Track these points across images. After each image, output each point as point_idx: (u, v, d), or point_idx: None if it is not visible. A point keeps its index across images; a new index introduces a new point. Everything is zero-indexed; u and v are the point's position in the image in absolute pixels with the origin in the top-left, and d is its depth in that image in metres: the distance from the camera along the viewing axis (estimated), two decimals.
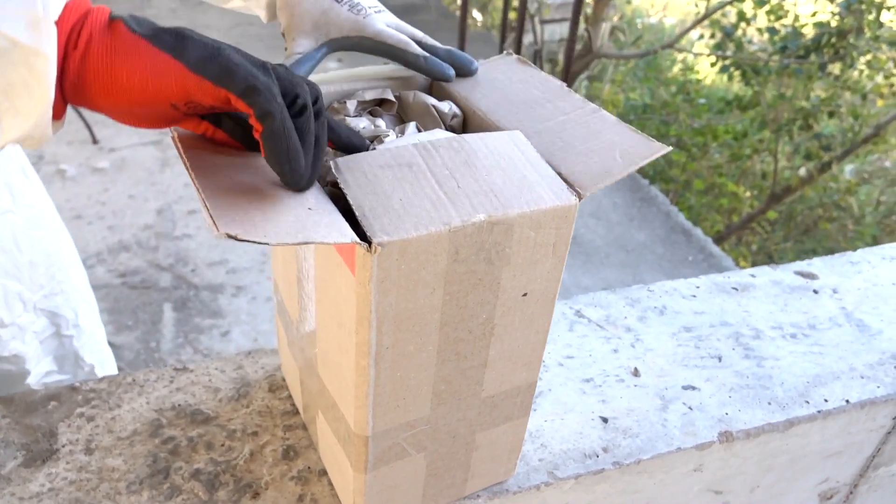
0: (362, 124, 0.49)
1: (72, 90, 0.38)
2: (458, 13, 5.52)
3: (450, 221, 0.40)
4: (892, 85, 3.72)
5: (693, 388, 0.72)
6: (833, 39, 3.50)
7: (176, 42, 0.37)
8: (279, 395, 0.69)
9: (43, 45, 0.35)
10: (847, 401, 0.71)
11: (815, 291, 0.86)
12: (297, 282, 0.53)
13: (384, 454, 0.50)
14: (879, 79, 3.73)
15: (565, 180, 0.45)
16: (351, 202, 0.39)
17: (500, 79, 0.55)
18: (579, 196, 0.44)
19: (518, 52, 2.65)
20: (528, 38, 4.35)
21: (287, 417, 0.66)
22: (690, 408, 0.70)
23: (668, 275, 2.27)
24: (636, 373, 0.73)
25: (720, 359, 0.75)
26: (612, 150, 0.46)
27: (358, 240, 0.38)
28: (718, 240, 4.16)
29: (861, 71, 3.81)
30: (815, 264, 0.91)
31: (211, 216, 0.34)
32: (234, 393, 0.69)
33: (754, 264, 4.23)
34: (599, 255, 2.36)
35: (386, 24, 0.52)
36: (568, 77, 2.35)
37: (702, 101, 4.75)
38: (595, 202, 2.67)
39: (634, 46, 5.09)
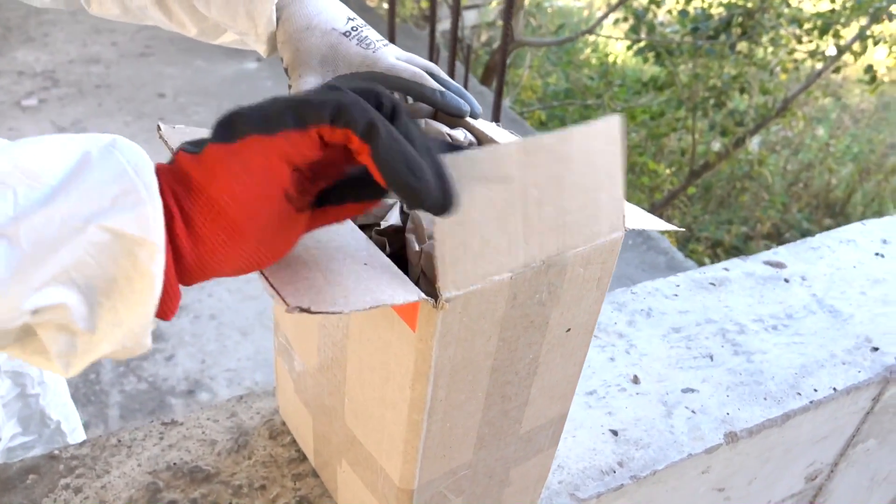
0: None
1: (192, 265, 0.32)
2: (376, 7, 5.44)
3: (514, 266, 0.38)
4: (794, 60, 3.93)
5: (692, 390, 0.73)
6: (741, 19, 3.66)
7: (235, 125, 0.31)
8: (281, 441, 0.65)
9: (150, 232, 0.29)
10: (834, 388, 0.74)
11: (786, 280, 0.89)
12: (318, 327, 0.50)
13: None
14: (783, 54, 3.93)
15: None
16: (436, 249, 0.35)
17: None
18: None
19: (433, 42, 2.63)
20: (442, 26, 4.32)
21: (294, 465, 0.63)
22: (693, 411, 0.71)
23: None
24: (636, 380, 0.74)
25: (712, 357, 0.77)
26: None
27: (425, 297, 0.35)
28: None
29: (765, 48, 4.00)
30: (781, 252, 0.95)
31: (276, 290, 0.32)
32: (232, 444, 0.65)
33: (678, 240, 4.40)
34: None
35: (396, 57, 0.49)
36: (503, 67, 2.35)
37: (619, 83, 4.88)
38: None
39: (553, 34, 5.17)
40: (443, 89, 0.49)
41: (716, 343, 0.79)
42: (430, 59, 2.67)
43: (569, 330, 0.45)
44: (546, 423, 0.52)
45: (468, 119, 0.51)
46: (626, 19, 4.22)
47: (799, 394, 0.73)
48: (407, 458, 0.43)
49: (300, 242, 0.36)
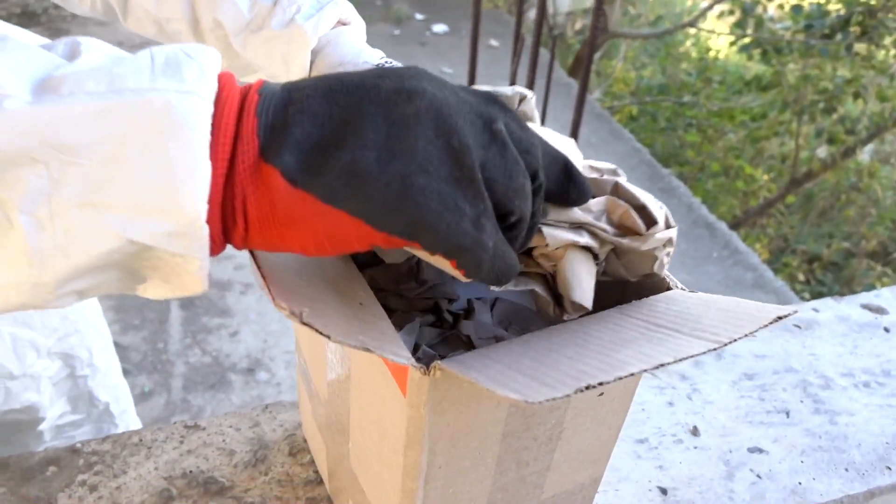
0: None
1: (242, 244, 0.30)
2: None
3: None
4: None
5: (760, 450, 0.65)
6: (861, 18, 3.36)
7: (348, 188, 0.27)
8: (300, 459, 0.62)
9: (193, 250, 0.27)
10: None
11: (887, 330, 0.78)
12: (325, 362, 0.45)
13: None
14: None
15: None
16: None
17: None
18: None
19: (519, 29, 2.54)
20: (533, 13, 4.19)
21: (310, 488, 0.59)
22: (759, 475, 0.62)
23: (690, 272, 2.19)
24: (695, 431, 0.66)
25: (788, 414, 0.68)
26: None
27: (414, 363, 0.30)
28: (735, 225, 4.07)
29: (887, 50, 3.67)
30: (884, 295, 0.84)
31: (268, 286, 0.28)
32: (250, 457, 0.62)
33: (771, 251, 4.14)
34: None
35: None
36: (590, 59, 2.24)
37: (719, 80, 4.62)
38: None
39: (651, 24, 4.94)
40: None
41: (794, 397, 0.70)
42: (515, 48, 2.59)
43: (601, 394, 0.39)
44: (574, 489, 0.46)
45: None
46: (731, 12, 3.97)
47: (888, 468, 0.64)
48: None
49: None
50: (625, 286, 0.41)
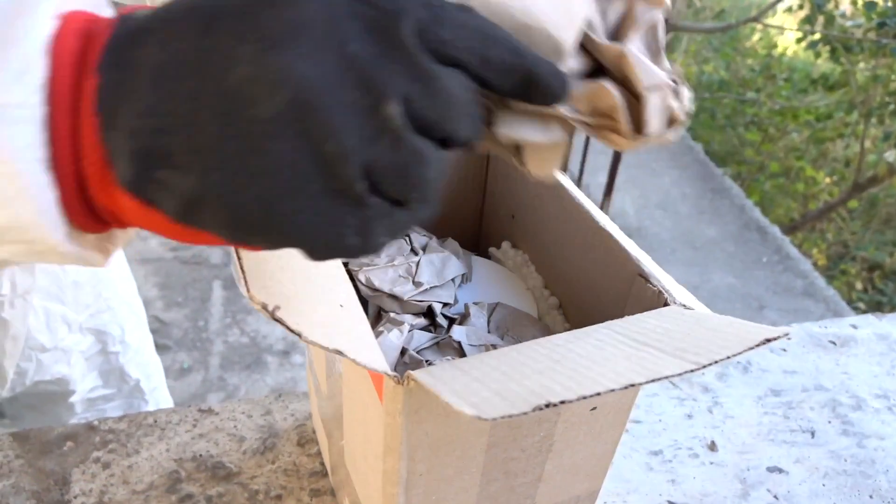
0: None
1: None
2: None
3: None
4: None
5: (780, 470, 0.62)
6: None
7: (199, 214, 0.22)
8: (308, 450, 0.62)
9: (65, 259, 0.24)
10: None
11: None
12: (325, 357, 0.45)
13: None
14: None
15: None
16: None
17: None
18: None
19: None
20: None
21: (315, 479, 0.60)
22: (776, 496, 0.60)
23: (738, 276, 2.12)
24: (713, 446, 0.64)
25: (813, 434, 0.65)
26: None
27: (387, 370, 0.29)
28: (791, 229, 3.93)
29: None
30: None
31: (243, 276, 0.28)
32: (259, 444, 0.62)
33: (829, 257, 3.98)
34: (664, 250, 2.22)
35: None
36: None
37: (784, 77, 4.45)
38: (663, 192, 2.52)
39: (716, 17, 4.79)
40: None
41: (822, 416, 0.67)
42: None
43: (594, 409, 0.38)
44: (569, 500, 0.45)
45: None
46: (801, 7, 3.81)
47: None
48: None
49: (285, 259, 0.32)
50: (624, 302, 0.39)
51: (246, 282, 0.29)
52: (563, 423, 0.38)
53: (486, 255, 0.53)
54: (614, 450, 0.43)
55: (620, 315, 0.35)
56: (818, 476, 0.61)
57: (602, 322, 0.34)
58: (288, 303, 0.29)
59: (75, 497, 0.58)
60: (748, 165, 4.64)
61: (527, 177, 0.30)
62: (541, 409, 0.24)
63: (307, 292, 0.31)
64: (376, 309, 0.42)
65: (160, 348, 1.92)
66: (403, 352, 0.38)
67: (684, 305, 0.34)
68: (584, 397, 0.24)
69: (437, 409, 0.32)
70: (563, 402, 0.24)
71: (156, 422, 0.64)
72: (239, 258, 0.31)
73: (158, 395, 0.97)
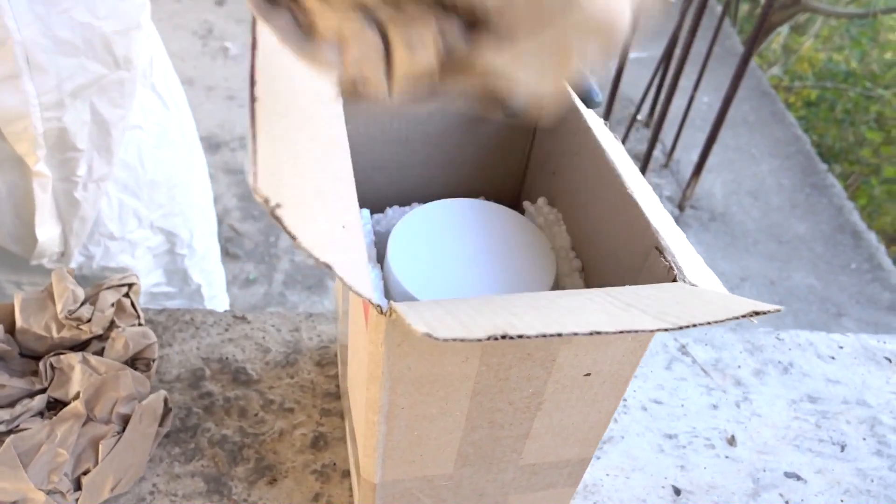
0: None
1: None
2: None
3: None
4: None
5: (798, 477, 0.59)
6: None
7: None
8: (327, 371, 0.64)
9: None
10: None
11: None
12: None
13: (394, 499, 0.44)
14: None
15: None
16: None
17: None
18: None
19: None
20: None
21: (328, 400, 0.62)
22: (788, 502, 0.57)
23: (821, 279, 2.00)
24: (732, 441, 0.61)
25: (843, 448, 0.62)
26: None
27: (372, 298, 0.30)
28: (894, 240, 3.65)
29: None
30: None
31: (255, 168, 0.28)
32: (282, 358, 0.65)
33: None
34: (747, 240, 2.12)
35: None
36: (758, 29, 2.04)
37: None
38: (758, 179, 2.38)
39: (854, 2, 4.41)
40: None
41: (857, 432, 0.63)
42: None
43: (588, 375, 0.37)
44: (559, 462, 0.44)
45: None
46: None
47: None
48: (366, 452, 0.39)
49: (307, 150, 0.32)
50: (637, 274, 0.38)
51: (256, 174, 0.29)
52: (553, 383, 0.37)
53: (522, 210, 0.52)
54: (608, 421, 0.42)
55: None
56: (838, 491, 0.59)
57: None
58: (293, 206, 0.29)
59: None
60: (861, 166, 4.32)
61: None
62: (496, 339, 0.23)
63: (315, 205, 0.31)
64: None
65: (230, 257, 2.02)
66: None
67: (692, 284, 0.32)
68: (545, 335, 0.24)
69: (421, 346, 0.32)
70: (520, 337, 0.23)
71: (192, 320, 0.68)
72: (255, 151, 0.31)
73: (216, 304, 1.01)
